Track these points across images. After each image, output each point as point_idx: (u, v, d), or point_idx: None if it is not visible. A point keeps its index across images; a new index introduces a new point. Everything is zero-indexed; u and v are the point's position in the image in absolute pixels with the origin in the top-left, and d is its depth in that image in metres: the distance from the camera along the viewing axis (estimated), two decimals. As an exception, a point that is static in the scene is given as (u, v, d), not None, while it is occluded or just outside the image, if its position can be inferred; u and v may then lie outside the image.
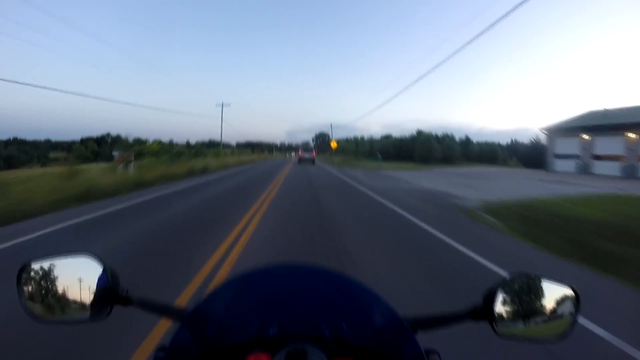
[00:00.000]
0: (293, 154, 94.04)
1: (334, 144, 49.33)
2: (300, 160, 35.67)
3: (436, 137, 46.99)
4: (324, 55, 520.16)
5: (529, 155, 41.14)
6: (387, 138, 57.43)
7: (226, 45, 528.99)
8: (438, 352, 0.71)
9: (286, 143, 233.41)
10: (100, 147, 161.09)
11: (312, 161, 35.45)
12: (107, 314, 0.72)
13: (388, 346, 0.64)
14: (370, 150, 50.49)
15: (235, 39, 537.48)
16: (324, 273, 0.79)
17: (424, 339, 0.68)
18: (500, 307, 0.72)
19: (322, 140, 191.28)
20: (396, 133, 73.92)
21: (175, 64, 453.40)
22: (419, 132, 48.72)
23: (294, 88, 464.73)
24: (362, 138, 69.78)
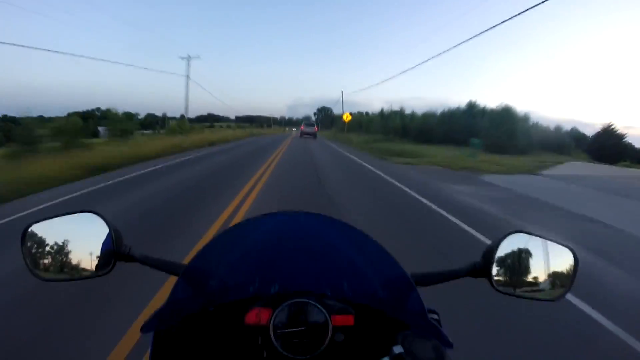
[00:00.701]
0: (294, 129, 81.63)
1: (347, 117, 36.21)
2: (302, 134, 35.03)
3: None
4: (327, 31, 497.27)
5: (598, 146, 31.00)
6: (429, 114, 38.51)
7: (228, 20, 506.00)
8: (437, 312, 0.71)
9: (287, 117, 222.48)
10: (87, 122, 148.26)
11: (314, 135, 34.65)
12: (110, 269, 0.71)
13: (390, 302, 0.64)
14: (404, 128, 34.73)
15: (240, 13, 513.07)
16: (325, 221, 0.76)
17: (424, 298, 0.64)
18: (499, 265, 0.72)
19: (324, 114, 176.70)
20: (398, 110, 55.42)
21: (174, 37, 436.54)
22: (471, 105, 32.99)
23: (296, 63, 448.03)
24: (384, 112, 45.58)
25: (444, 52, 36.98)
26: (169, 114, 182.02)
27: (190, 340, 0.62)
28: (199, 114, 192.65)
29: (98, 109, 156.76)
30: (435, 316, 0.70)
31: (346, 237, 0.75)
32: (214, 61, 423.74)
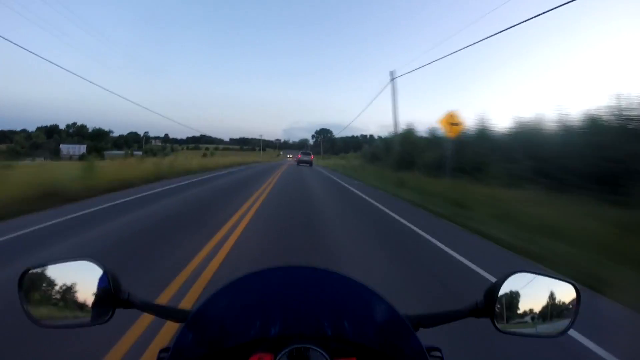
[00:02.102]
0: (289, 155, 73.77)
1: (453, 124, 11.38)
2: (299, 162, 35.95)
3: None
4: (324, 56, 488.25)
5: None
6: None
7: (226, 42, 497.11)
8: (440, 349, 0.71)
9: (282, 140, 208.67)
10: (52, 138, 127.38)
11: (310, 163, 35.15)
12: (109, 317, 0.71)
13: (390, 344, 0.65)
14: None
15: (236, 35, 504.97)
16: (324, 273, 0.77)
17: (427, 337, 0.69)
18: (501, 304, 0.72)
19: (323, 137, 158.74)
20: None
21: (171, 59, 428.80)
22: None
23: (293, 86, 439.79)
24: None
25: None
26: (152, 134, 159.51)
27: None
28: (190, 135, 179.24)
29: (74, 124, 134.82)
30: (439, 353, 0.69)
31: (343, 285, 0.75)
32: (209, 81, 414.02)
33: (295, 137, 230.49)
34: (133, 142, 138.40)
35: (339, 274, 0.75)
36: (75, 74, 16.77)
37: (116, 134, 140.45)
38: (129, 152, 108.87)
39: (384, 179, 15.88)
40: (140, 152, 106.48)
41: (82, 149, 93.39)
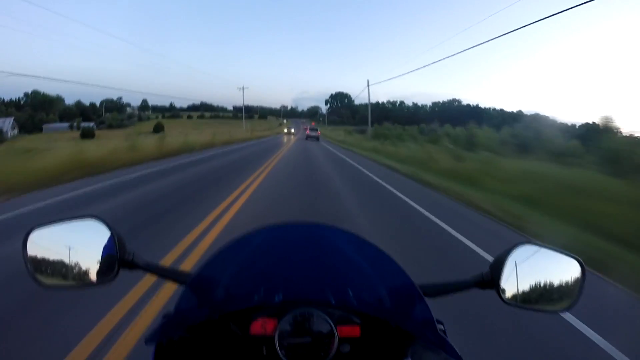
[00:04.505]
0: (292, 130, 59.63)
1: None
2: (307, 137, 34.94)
3: None
4: (333, 25, 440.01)
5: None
6: None
7: (234, 11, 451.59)
8: (442, 322, 0.69)
9: (289, 107, 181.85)
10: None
11: (317, 138, 34.37)
12: (113, 277, 0.69)
13: (396, 312, 0.63)
14: None
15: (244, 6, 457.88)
16: (330, 230, 0.75)
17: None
18: (507, 276, 0.70)
19: (340, 103, 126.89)
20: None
21: (181, 21, 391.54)
22: None
23: (302, 55, 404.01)
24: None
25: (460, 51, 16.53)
26: (128, 100, 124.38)
27: (194, 351, 0.59)
28: (190, 102, 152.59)
29: (34, 91, 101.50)
30: (441, 327, 0.67)
31: (351, 246, 0.73)
32: (216, 47, 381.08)
33: (303, 106, 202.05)
34: (105, 110, 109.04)
35: (346, 232, 0.71)
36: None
37: (94, 101, 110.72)
38: (76, 124, 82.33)
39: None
40: (91, 124, 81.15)
41: (7, 123, 66.53)
